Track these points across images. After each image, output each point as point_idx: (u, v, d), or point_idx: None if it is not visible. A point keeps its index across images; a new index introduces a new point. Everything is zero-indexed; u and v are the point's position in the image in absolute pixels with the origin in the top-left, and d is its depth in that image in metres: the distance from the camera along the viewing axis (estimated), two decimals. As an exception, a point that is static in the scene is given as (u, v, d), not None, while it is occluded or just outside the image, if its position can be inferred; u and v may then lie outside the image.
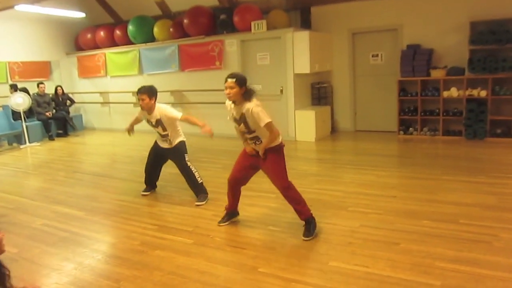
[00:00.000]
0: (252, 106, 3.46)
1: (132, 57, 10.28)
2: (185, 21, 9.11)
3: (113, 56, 10.65)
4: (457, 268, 2.94)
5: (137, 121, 5.19)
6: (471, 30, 7.25)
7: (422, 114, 7.89)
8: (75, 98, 11.14)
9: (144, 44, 9.99)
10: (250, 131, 3.61)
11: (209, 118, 9.25)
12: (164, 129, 4.81)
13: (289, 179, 3.74)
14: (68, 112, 10.54)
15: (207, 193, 4.89)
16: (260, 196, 4.84)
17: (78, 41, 11.34)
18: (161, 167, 5.25)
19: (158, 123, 4.77)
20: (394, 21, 8.17)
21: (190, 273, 3.08)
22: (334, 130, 9.03)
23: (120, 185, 5.75)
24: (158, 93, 4.80)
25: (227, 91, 3.49)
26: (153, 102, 4.71)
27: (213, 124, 9.20)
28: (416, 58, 7.75)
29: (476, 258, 3.08)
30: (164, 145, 4.98)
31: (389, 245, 3.37)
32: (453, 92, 7.51)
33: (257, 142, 3.67)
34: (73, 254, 3.53)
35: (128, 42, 10.26)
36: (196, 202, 4.75)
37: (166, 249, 3.55)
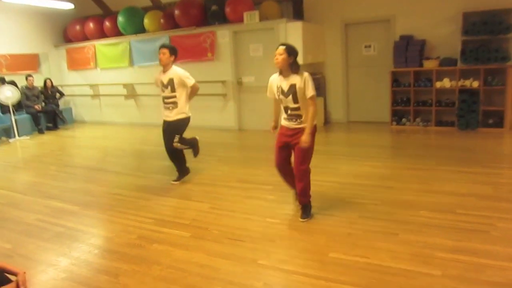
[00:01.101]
0: (306, 74, 3.63)
1: (122, 49, 10.14)
2: (176, 12, 9.00)
3: (103, 48, 10.51)
4: (456, 258, 2.95)
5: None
6: (463, 21, 7.26)
7: (415, 104, 7.91)
8: (65, 91, 11.01)
9: (134, 36, 9.87)
10: (295, 104, 3.69)
11: (200, 111, 9.25)
12: (173, 90, 4.89)
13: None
14: (57, 105, 10.41)
15: (187, 173, 5.29)
16: (257, 188, 4.81)
17: (67, 33, 11.16)
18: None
19: (169, 83, 4.89)
20: (387, 12, 8.15)
21: (190, 267, 3.06)
22: (327, 121, 9.02)
23: (114, 179, 5.69)
24: (177, 53, 5.04)
25: (276, 57, 3.62)
26: (171, 59, 4.91)
27: (206, 116, 9.28)
28: (409, 49, 7.75)
29: (475, 247, 3.09)
30: (167, 115, 5.02)
31: (388, 236, 3.37)
32: (446, 82, 7.53)
33: (296, 119, 3.75)
34: (69, 249, 3.48)
35: (118, 33, 10.13)
36: (172, 180, 5.19)
37: (163, 242, 3.51)
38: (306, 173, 3.85)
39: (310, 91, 3.60)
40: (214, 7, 8.75)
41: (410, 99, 7.92)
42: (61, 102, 10.74)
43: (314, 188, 4.60)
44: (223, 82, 8.78)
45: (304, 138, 3.65)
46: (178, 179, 5.23)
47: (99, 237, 3.76)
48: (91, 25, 10.49)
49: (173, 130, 5.01)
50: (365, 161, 5.71)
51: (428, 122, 7.85)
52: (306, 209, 3.87)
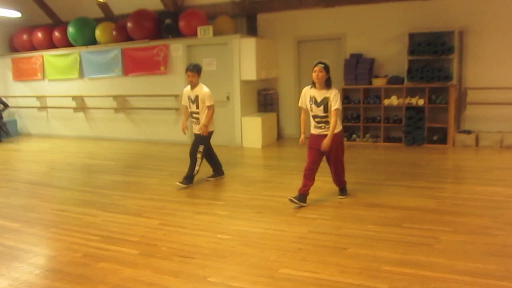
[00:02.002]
0: (336, 91, 4.39)
1: (72, 60, 9.85)
2: (129, 24, 8.87)
3: (51, 58, 10.17)
4: (402, 271, 3.03)
5: (186, 112, 5.68)
6: (409, 41, 7.58)
7: (365, 121, 8.15)
8: (9, 102, 10.51)
9: (85, 47, 9.62)
10: (325, 113, 4.40)
11: (153, 124, 9.12)
12: (197, 107, 5.40)
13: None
14: (1, 117, 9.94)
15: (191, 184, 5.47)
16: (208, 204, 4.77)
17: (13, 42, 10.72)
18: (212, 152, 5.76)
19: (196, 99, 5.39)
20: (338, 30, 8.39)
21: (137, 286, 2.96)
22: (280, 136, 9.11)
23: (60, 194, 5.47)
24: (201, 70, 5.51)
25: (316, 74, 4.32)
26: (198, 78, 5.39)
27: (159, 130, 9.16)
28: (359, 67, 7.99)
29: (420, 260, 3.19)
30: (195, 129, 5.55)
31: (337, 250, 3.42)
32: (394, 100, 7.81)
33: (325, 126, 4.46)
34: (7, 270, 3.29)
35: (68, 44, 9.83)
36: (178, 182, 5.39)
37: (110, 260, 3.39)
38: (343, 169, 4.77)
39: (337, 105, 4.33)
40: (168, 21, 8.70)
41: (360, 115, 8.14)
42: (5, 114, 10.26)
43: (264, 203, 4.67)
44: (175, 96, 8.70)
45: (325, 142, 4.36)
46: (184, 184, 5.44)
47: (41, 256, 3.58)
48: (39, 34, 10.13)
49: (197, 140, 5.54)
50: (316, 177, 5.74)
51: (377, 138, 8.10)
52: (344, 190, 4.83)
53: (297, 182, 5.52)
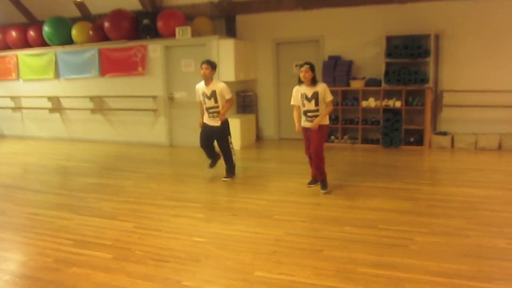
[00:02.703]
0: (325, 85, 4.95)
1: (47, 60, 9.66)
2: (106, 24, 8.74)
3: (26, 58, 9.95)
4: (378, 273, 3.04)
5: (202, 108, 5.69)
6: (387, 44, 7.66)
7: (343, 122, 8.19)
8: (-18, 102, 10.27)
9: (61, 47, 9.44)
10: (316, 107, 4.90)
11: (131, 125, 9.01)
12: (216, 101, 5.48)
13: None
14: (-27, 118, 9.69)
15: (235, 174, 5.81)
16: (185, 206, 4.71)
17: (-14, 41, 10.47)
18: (213, 142, 5.77)
19: (212, 94, 5.46)
20: (316, 32, 8.43)
21: (109, 291, 2.90)
22: (258, 138, 9.10)
23: (32, 197, 5.33)
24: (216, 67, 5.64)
25: (303, 74, 4.81)
26: (213, 73, 5.48)
27: (136, 131, 9.06)
28: (337, 69, 8.03)
29: (395, 262, 3.20)
30: (212, 122, 5.57)
31: (313, 253, 3.41)
32: (371, 102, 7.87)
33: (314, 118, 4.95)
34: (-25, 276, 3.19)
35: (43, 44, 9.63)
36: (223, 177, 5.69)
37: (83, 265, 3.31)
38: (321, 159, 5.03)
39: (330, 96, 4.93)
40: (146, 21, 8.61)
41: (338, 117, 8.19)
42: (-23, 115, 10.01)
43: (241, 205, 4.66)
44: (154, 97, 8.61)
45: (315, 122, 4.91)
46: (229, 176, 5.77)
47: (11, 262, 3.47)
48: (13, 33, 9.90)
49: (224, 134, 5.63)
50: (294, 178, 5.79)
51: (355, 139, 8.15)
52: (324, 183, 5.07)
53: (275, 184, 5.58)
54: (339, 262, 3.22)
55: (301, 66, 4.87)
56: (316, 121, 4.92)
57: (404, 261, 3.21)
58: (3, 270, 3.28)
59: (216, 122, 5.57)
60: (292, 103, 5.15)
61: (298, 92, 5.03)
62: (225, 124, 5.64)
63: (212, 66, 5.46)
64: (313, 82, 4.90)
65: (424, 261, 3.20)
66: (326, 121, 5.07)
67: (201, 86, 5.59)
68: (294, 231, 3.90)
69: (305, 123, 5.10)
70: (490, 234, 3.71)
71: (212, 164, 5.88)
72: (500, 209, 4.36)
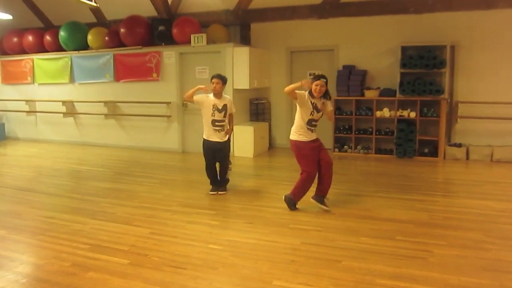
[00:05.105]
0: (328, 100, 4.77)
1: (62, 64, 9.76)
2: (122, 30, 8.81)
3: (41, 62, 10.06)
4: (396, 285, 3.00)
5: (191, 96, 5.40)
6: (402, 54, 7.63)
7: (356, 132, 8.16)
8: (-3, 105, 10.39)
9: (76, 52, 9.54)
10: (320, 118, 4.77)
11: (143, 131, 9.04)
12: (225, 116, 5.46)
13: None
14: (-12, 121, 9.79)
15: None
16: (199, 213, 4.70)
17: (3, 45, 10.59)
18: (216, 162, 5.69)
19: (224, 108, 5.41)
20: (331, 41, 8.43)
21: (127, 296, 2.89)
22: (271, 146, 9.08)
23: (47, 201, 5.36)
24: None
25: (320, 88, 4.54)
26: (223, 89, 5.43)
27: (149, 137, 9.08)
28: (351, 78, 8.02)
29: (414, 274, 3.16)
30: (217, 137, 5.46)
31: (331, 263, 3.38)
32: (385, 112, 7.84)
33: (314, 130, 4.79)
34: (-8, 278, 3.20)
35: (58, 48, 9.74)
36: (221, 191, 5.60)
37: (99, 270, 3.31)
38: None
39: (331, 107, 4.86)
40: (161, 27, 8.66)
41: (351, 127, 8.16)
42: (-8, 117, 10.12)
43: (256, 213, 4.66)
44: (167, 103, 8.64)
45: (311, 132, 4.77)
46: (225, 190, 5.70)
47: (28, 265, 3.49)
48: (30, 38, 10.02)
49: (228, 150, 5.71)
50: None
51: (368, 149, 8.11)
52: (323, 200, 4.82)
53: (288, 192, 5.52)
54: (357, 273, 3.19)
55: (316, 78, 4.56)
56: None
57: (424, 273, 3.17)
58: (20, 273, 3.29)
59: (223, 137, 5.50)
60: (297, 101, 4.59)
61: (308, 100, 4.60)
62: (229, 141, 5.66)
63: (223, 81, 5.40)
64: (325, 95, 4.67)
65: (443, 274, 3.16)
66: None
67: (211, 98, 5.40)
68: (310, 240, 3.87)
69: (311, 135, 4.76)
70: (510, 248, 3.66)
71: (221, 184, 5.73)
72: (519, 223, 4.30)
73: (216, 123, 5.42)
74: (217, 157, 5.55)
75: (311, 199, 4.80)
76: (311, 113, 4.65)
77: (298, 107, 4.71)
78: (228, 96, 5.66)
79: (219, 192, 5.57)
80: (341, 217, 4.53)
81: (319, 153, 4.77)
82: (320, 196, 4.80)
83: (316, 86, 4.55)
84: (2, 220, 4.57)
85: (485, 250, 3.60)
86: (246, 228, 4.24)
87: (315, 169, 4.74)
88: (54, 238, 4.02)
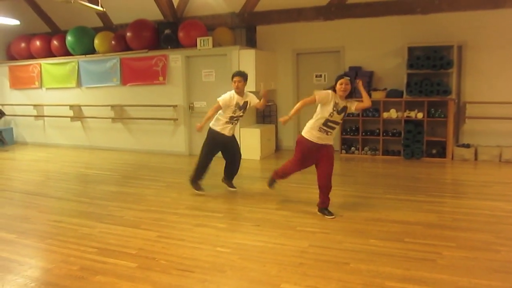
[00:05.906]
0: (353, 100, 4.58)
1: (70, 68, 9.82)
2: (128, 34, 8.86)
3: (49, 67, 10.13)
4: (405, 287, 2.97)
5: (213, 114, 5.48)
6: (408, 55, 7.60)
7: (363, 134, 8.13)
8: (6, 110, 10.45)
9: (83, 56, 9.59)
10: (341, 120, 4.64)
11: (151, 134, 9.07)
12: (244, 111, 5.52)
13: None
14: (-3, 125, 9.87)
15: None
16: (207, 216, 4.70)
17: (11, 50, 10.68)
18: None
19: (244, 105, 5.46)
20: (337, 43, 8.41)
21: (135, 300, 2.89)
22: (278, 148, 9.08)
23: (55, 205, 5.38)
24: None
25: (344, 86, 4.37)
26: (244, 85, 5.43)
27: (156, 140, 9.10)
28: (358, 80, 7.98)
29: (424, 276, 3.14)
30: (230, 132, 5.53)
31: (339, 265, 3.36)
32: (392, 113, 7.80)
33: (332, 133, 4.62)
34: (1, 282, 3.21)
35: (66, 53, 9.80)
36: (231, 188, 5.78)
37: (108, 274, 3.32)
38: (331, 186, 4.72)
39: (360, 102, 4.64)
40: (167, 31, 8.70)
41: (358, 128, 8.13)
42: (1, 122, 10.19)
43: (264, 216, 4.64)
44: (174, 106, 8.67)
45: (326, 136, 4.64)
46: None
47: (37, 269, 3.50)
48: (37, 43, 10.10)
49: (237, 141, 5.79)
50: (314, 189, 5.67)
51: (375, 151, 8.07)
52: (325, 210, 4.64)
53: (296, 195, 5.53)
54: (366, 276, 3.16)
55: (340, 77, 4.43)
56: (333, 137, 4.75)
57: (433, 276, 3.14)
58: (28, 277, 3.31)
59: (234, 131, 5.66)
60: (316, 98, 4.50)
61: (332, 99, 4.44)
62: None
63: (244, 78, 5.38)
64: (349, 95, 4.49)
65: (453, 276, 3.13)
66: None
67: (235, 96, 5.37)
68: (318, 243, 3.86)
69: (322, 138, 4.62)
70: (520, 249, 3.63)
71: (231, 179, 5.90)
72: (529, 224, 4.26)
73: (234, 119, 5.51)
74: (230, 150, 5.62)
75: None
76: (330, 114, 4.48)
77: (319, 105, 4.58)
78: (248, 92, 5.62)
79: (231, 189, 5.75)
80: (348, 219, 4.51)
81: (319, 160, 4.65)
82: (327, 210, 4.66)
83: (340, 85, 4.37)
84: (11, 224, 4.60)
85: (495, 252, 3.56)
86: (253, 230, 4.23)
87: (299, 169, 4.89)
88: (63, 242, 4.03)
